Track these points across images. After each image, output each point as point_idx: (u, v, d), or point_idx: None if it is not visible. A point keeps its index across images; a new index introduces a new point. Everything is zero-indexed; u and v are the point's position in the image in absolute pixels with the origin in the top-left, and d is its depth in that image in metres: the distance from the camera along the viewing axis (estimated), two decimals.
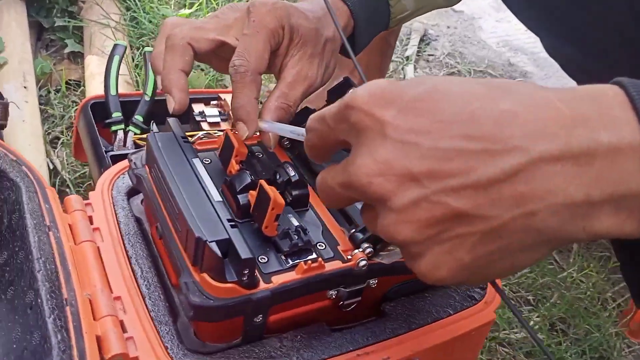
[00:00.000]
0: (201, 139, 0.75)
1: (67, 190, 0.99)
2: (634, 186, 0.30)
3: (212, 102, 0.98)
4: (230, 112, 0.96)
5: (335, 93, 0.64)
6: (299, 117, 0.64)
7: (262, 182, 0.48)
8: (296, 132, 0.51)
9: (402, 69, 1.45)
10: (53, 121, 1.17)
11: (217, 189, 0.53)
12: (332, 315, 0.53)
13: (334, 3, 0.62)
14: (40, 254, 0.46)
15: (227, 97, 0.98)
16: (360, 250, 0.51)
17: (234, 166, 0.53)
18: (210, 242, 0.43)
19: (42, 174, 0.95)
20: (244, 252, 0.43)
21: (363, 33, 0.66)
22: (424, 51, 1.55)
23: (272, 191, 0.47)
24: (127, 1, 1.38)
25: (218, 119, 0.95)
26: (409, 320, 0.54)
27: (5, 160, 0.51)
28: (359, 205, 0.55)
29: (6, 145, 0.52)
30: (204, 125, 0.88)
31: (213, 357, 0.46)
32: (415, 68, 1.46)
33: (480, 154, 0.31)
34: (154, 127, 0.56)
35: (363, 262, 0.50)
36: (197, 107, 0.90)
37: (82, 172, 1.04)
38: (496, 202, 0.31)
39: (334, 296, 0.51)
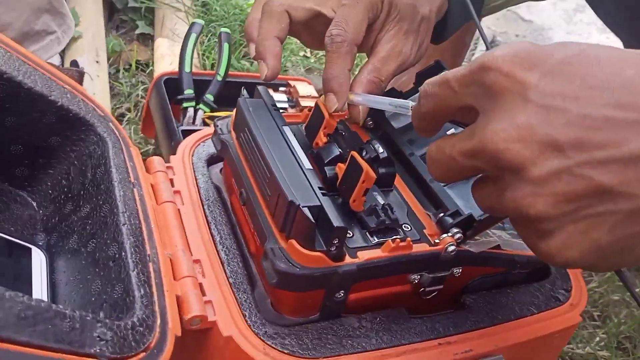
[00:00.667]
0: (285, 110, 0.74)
1: None
2: None
3: (281, 89, 0.98)
4: (322, 85, 0.96)
5: (425, 76, 0.62)
6: (387, 94, 0.62)
7: (354, 153, 0.46)
8: (395, 104, 0.49)
9: None
10: (120, 99, 1.18)
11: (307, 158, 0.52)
12: (411, 301, 0.51)
13: None
14: (125, 207, 0.46)
15: (297, 84, 0.98)
16: (450, 234, 0.48)
17: (321, 138, 0.52)
18: (303, 206, 0.41)
19: None
20: (336, 220, 0.41)
21: (455, 17, 0.63)
22: None
23: (364, 163, 0.45)
24: None
25: (286, 105, 0.94)
26: (492, 314, 0.51)
27: (94, 114, 0.51)
28: (450, 190, 0.53)
29: (96, 101, 0.52)
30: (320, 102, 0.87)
31: (291, 330, 0.45)
32: None
33: (633, 125, 0.28)
34: (244, 92, 0.54)
35: (452, 247, 0.48)
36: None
37: (145, 149, 1.05)
38: None
39: (416, 281, 0.49)
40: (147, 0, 1.36)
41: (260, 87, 0.54)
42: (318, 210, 0.42)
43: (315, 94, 0.96)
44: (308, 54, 1.37)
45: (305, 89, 0.96)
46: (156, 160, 0.54)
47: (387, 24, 0.55)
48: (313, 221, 0.41)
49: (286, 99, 0.95)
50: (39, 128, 0.49)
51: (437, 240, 0.48)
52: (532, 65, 0.30)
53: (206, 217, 0.51)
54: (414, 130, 0.61)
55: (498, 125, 0.31)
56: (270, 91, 0.97)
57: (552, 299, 0.55)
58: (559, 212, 0.30)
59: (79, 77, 0.88)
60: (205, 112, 0.90)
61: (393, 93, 0.63)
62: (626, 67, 0.29)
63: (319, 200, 0.43)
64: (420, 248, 0.47)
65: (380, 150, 0.52)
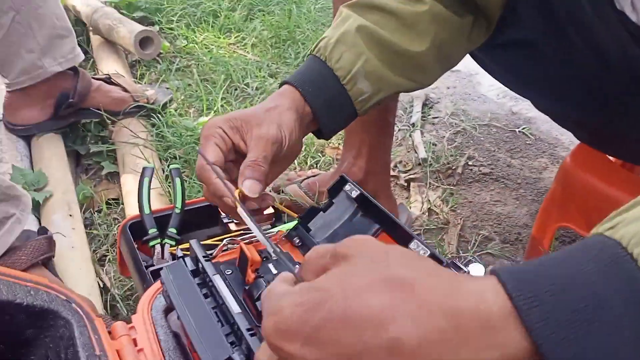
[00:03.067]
0: (226, 246, 0.84)
1: (118, 305, 1.08)
2: None
3: None
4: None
5: (334, 190, 0.72)
6: (306, 215, 0.72)
7: None
8: (263, 240, 0.55)
9: (410, 135, 1.53)
10: (99, 240, 1.28)
11: (237, 300, 0.61)
12: None
13: (289, 93, 0.71)
14: None
15: None
16: None
17: (250, 275, 0.60)
18: None
19: (94, 294, 1.05)
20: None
21: (327, 118, 0.74)
22: (429, 115, 1.63)
23: None
24: (152, 119, 1.52)
25: None
26: None
27: (58, 301, 0.60)
28: None
29: (56, 287, 0.61)
30: (232, 226, 0.98)
31: None
32: (422, 133, 1.54)
33: None
34: (178, 251, 0.64)
35: None
36: None
37: (129, 284, 1.14)
38: None
39: None
40: (106, 144, 1.48)
41: (192, 241, 0.64)
42: None
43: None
44: None
45: None
46: (119, 326, 0.63)
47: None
48: None
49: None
50: (13, 327, 0.58)
51: None
52: (292, 336, 0.35)
53: None
54: (338, 238, 0.70)
55: None
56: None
57: None
58: None
59: (48, 243, 0.98)
60: (171, 245, 1.00)
61: (313, 210, 0.72)
62: (365, 327, 0.33)
63: (231, 350, 0.51)
64: None
65: None
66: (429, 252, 0.58)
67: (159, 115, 1.51)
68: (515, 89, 1.00)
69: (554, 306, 0.32)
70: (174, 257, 1.01)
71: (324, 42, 0.74)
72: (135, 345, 0.62)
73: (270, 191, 1.36)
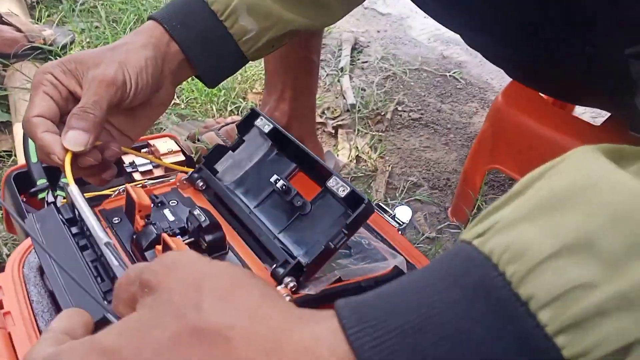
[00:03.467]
0: (121, 193, 0.72)
1: None
2: None
3: (143, 150, 0.96)
4: (161, 157, 0.94)
5: (244, 126, 0.63)
6: (211, 155, 0.62)
7: (164, 235, 0.46)
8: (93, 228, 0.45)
9: (338, 80, 1.44)
10: None
11: (125, 251, 0.51)
12: None
13: (149, 30, 0.59)
14: None
15: (157, 143, 0.97)
16: (283, 285, 0.49)
17: (139, 222, 0.51)
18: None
19: None
20: None
21: (204, 60, 0.62)
22: (358, 59, 1.54)
23: (174, 243, 0.45)
24: (50, 61, 1.35)
25: (150, 167, 0.93)
26: None
27: None
28: (285, 237, 0.54)
29: None
30: (136, 176, 0.86)
31: None
32: (351, 77, 1.45)
33: None
34: (48, 196, 0.53)
35: (287, 298, 0.48)
36: (127, 158, 0.88)
37: None
38: None
39: None
40: None
41: (69, 188, 0.52)
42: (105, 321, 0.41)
43: (177, 148, 0.95)
44: (177, 101, 1.35)
45: (166, 145, 0.95)
46: None
47: None
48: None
49: (148, 161, 0.93)
50: None
51: None
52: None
53: (40, 333, 0.49)
54: (249, 180, 0.61)
55: None
56: (132, 156, 0.95)
57: None
58: None
59: None
60: (64, 197, 0.87)
61: (219, 149, 0.63)
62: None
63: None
64: None
65: (202, 218, 0.52)
66: (348, 189, 0.51)
67: (58, 56, 1.34)
68: (445, 21, 0.93)
69: (408, 356, 0.25)
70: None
71: None
72: (1, 307, 0.51)
73: (186, 139, 1.25)
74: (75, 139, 0.51)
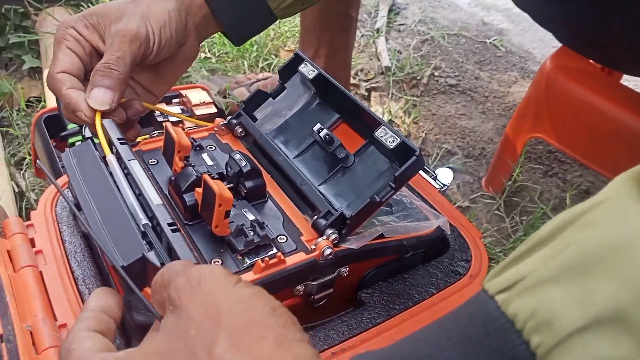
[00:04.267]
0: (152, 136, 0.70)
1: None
2: None
3: (174, 100, 0.94)
4: (193, 108, 0.92)
5: (286, 71, 0.60)
6: (251, 100, 0.60)
7: (206, 176, 0.44)
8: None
9: (374, 42, 1.40)
10: (18, 142, 1.12)
11: (162, 193, 0.49)
12: (305, 311, 0.49)
13: None
14: None
15: (189, 93, 0.94)
16: (325, 237, 0.47)
17: (177, 163, 0.49)
18: (124, 266, 0.38)
19: (6, 198, 0.91)
20: (186, 258, 0.39)
21: (231, 14, 0.58)
22: (395, 21, 1.49)
23: (216, 185, 0.42)
24: (82, 6, 1.32)
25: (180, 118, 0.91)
26: (389, 306, 0.50)
27: None
28: (325, 188, 0.51)
29: None
30: (169, 126, 0.84)
31: None
32: (386, 39, 1.41)
33: None
34: (86, 131, 0.51)
35: (328, 251, 0.46)
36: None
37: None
38: None
39: (301, 292, 0.47)
40: (28, 34, 1.29)
41: (105, 121, 0.50)
42: (142, 262, 0.39)
43: (209, 99, 0.93)
44: (208, 55, 1.32)
45: (198, 96, 0.93)
46: (12, 222, 0.50)
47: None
48: (159, 266, 0.38)
49: (180, 111, 0.91)
50: None
51: (313, 246, 0.46)
52: None
53: (73, 272, 0.48)
54: (289, 129, 0.59)
55: None
56: (164, 105, 0.93)
57: (452, 273, 0.54)
58: None
59: None
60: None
61: (259, 94, 0.60)
62: None
63: (145, 248, 0.39)
64: (295, 259, 0.45)
65: (243, 163, 0.49)
66: (399, 140, 0.48)
67: (90, 3, 1.32)
68: None
69: None
70: None
71: None
72: (33, 246, 0.50)
73: (216, 94, 1.23)
74: (101, 97, 0.49)
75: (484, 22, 1.53)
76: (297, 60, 0.58)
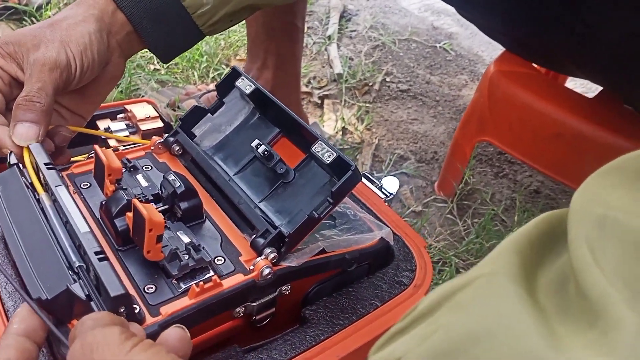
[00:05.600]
0: (88, 157, 0.68)
1: None
2: None
3: (119, 116, 0.92)
4: (138, 124, 0.89)
5: (223, 86, 0.59)
6: (189, 117, 0.58)
7: (135, 201, 0.42)
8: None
9: (325, 49, 1.40)
10: None
11: (94, 218, 0.48)
12: (248, 332, 0.48)
13: (97, 3, 0.54)
14: None
15: (134, 108, 0.92)
16: (263, 257, 0.46)
17: (108, 187, 0.47)
18: (45, 299, 0.37)
19: None
20: (113, 289, 0.37)
21: (154, 32, 0.57)
22: (346, 27, 1.49)
23: (146, 210, 0.41)
24: (24, 22, 1.29)
25: (127, 132, 0.88)
26: (332, 322, 0.49)
27: None
28: (266, 205, 0.51)
29: None
30: (112, 142, 0.82)
31: None
32: (338, 46, 1.41)
33: None
34: (11, 157, 0.49)
35: (267, 270, 0.45)
36: (102, 124, 0.84)
37: None
38: None
39: (242, 313, 0.46)
40: None
41: (32, 146, 0.48)
42: (68, 294, 0.38)
43: (155, 114, 0.91)
44: (157, 66, 1.30)
45: (144, 111, 0.90)
46: None
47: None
48: (84, 298, 0.37)
49: (125, 126, 0.89)
50: None
51: (251, 267, 0.45)
52: None
53: (3, 305, 0.46)
54: (229, 145, 0.58)
55: None
56: (108, 121, 0.90)
57: (397, 284, 0.54)
58: None
59: None
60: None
61: (197, 110, 0.59)
62: None
63: (71, 279, 0.38)
64: (233, 281, 0.44)
65: (177, 184, 0.48)
66: (334, 155, 0.48)
67: (33, 19, 1.28)
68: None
69: None
70: None
71: None
72: None
73: (166, 107, 1.21)
74: (25, 133, 0.47)
75: (434, 27, 1.55)
76: (234, 75, 0.57)
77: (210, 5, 0.57)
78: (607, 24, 0.67)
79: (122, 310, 0.38)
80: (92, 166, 0.53)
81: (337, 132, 1.19)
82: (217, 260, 0.46)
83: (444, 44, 1.47)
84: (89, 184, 0.52)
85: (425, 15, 1.60)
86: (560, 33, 0.75)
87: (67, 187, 0.45)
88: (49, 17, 1.33)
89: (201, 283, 0.42)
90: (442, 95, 1.31)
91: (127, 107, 0.89)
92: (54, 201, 0.44)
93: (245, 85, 0.57)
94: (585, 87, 1.30)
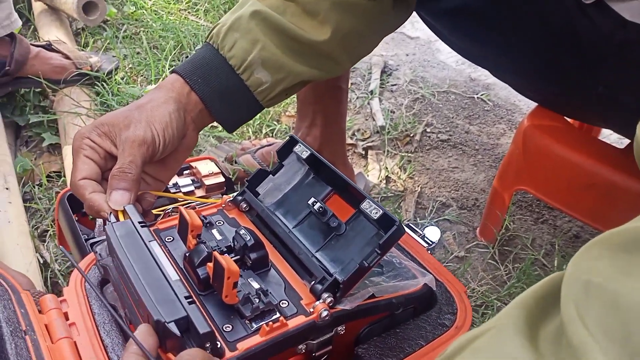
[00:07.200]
0: (169, 213, 0.78)
1: (59, 281, 1.02)
2: None
3: (185, 172, 1.02)
4: (202, 179, 1.00)
5: (283, 152, 0.68)
6: (254, 178, 0.67)
7: (215, 253, 0.51)
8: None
9: (368, 103, 1.49)
10: (40, 215, 1.20)
11: (178, 267, 0.56)
12: None
13: (171, 84, 0.65)
14: (18, 358, 0.49)
15: (198, 165, 1.03)
16: (321, 301, 0.53)
17: (191, 241, 0.56)
18: (168, 322, 0.45)
19: (32, 270, 0.99)
20: (201, 327, 0.45)
21: (221, 108, 0.68)
22: (387, 82, 1.59)
23: (224, 260, 0.49)
24: (96, 87, 1.43)
25: (192, 187, 0.99)
26: (382, 359, 0.56)
27: None
28: (322, 255, 0.58)
29: None
30: (182, 195, 0.92)
31: None
32: (380, 100, 1.50)
33: None
34: (111, 217, 0.58)
35: (325, 313, 0.52)
36: (171, 180, 0.94)
37: None
38: None
39: (303, 350, 0.53)
40: (47, 114, 1.39)
41: (127, 207, 0.58)
42: (186, 321, 0.46)
43: (217, 170, 1.01)
44: (215, 124, 1.42)
45: (207, 167, 1.01)
46: (48, 299, 0.57)
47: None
48: (179, 334, 0.45)
49: (191, 182, 0.99)
50: None
51: (311, 309, 0.53)
52: None
53: (102, 341, 0.55)
54: (288, 202, 0.66)
55: None
56: (175, 177, 1.01)
57: (439, 326, 0.60)
58: None
59: None
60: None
61: (261, 173, 0.68)
62: None
63: (185, 310, 0.47)
64: (296, 322, 0.52)
65: (248, 238, 0.57)
66: (381, 212, 0.55)
67: (104, 84, 1.42)
68: (471, 58, 0.98)
69: None
70: None
71: (217, 29, 0.68)
72: (67, 319, 0.57)
73: (224, 161, 1.31)
74: (120, 199, 0.58)
75: (471, 79, 1.63)
76: (292, 142, 0.66)
77: (268, 83, 0.68)
78: (626, 85, 0.74)
79: (207, 345, 0.46)
80: (173, 222, 0.63)
81: (380, 181, 1.27)
82: (282, 303, 0.54)
83: (482, 94, 1.55)
84: (172, 238, 0.61)
85: (463, 67, 1.68)
86: (584, 94, 0.81)
87: (157, 242, 0.54)
88: (118, 81, 1.48)
89: (270, 323, 0.50)
90: (481, 144, 1.38)
91: (192, 164, 1.00)
92: (149, 254, 0.54)
93: (301, 150, 0.65)
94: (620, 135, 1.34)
